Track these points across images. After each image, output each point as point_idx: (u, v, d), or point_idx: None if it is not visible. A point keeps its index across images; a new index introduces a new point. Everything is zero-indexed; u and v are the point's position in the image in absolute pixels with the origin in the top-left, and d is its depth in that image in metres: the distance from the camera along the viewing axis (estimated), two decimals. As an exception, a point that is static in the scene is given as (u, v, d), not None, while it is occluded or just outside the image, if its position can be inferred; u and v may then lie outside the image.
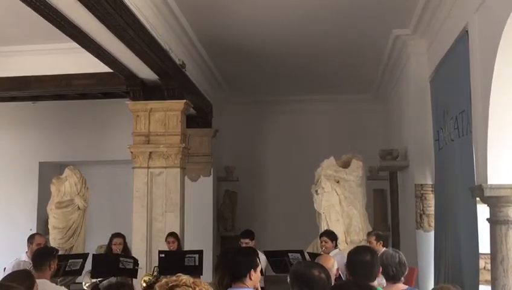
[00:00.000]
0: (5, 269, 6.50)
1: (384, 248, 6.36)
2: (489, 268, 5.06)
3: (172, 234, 7.60)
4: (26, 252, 6.50)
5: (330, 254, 6.34)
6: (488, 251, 5.01)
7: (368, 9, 7.67)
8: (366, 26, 8.30)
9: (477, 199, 5.23)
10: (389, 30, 8.55)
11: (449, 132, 6.48)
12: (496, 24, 4.81)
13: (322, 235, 7.13)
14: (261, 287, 6.73)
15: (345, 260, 3.74)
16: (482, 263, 5.58)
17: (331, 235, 6.99)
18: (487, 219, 5.03)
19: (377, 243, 6.86)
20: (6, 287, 2.78)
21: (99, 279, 6.52)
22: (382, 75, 11.02)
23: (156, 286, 2.09)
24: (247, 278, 3.42)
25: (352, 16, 7.91)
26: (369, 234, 7.25)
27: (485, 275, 5.57)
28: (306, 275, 2.95)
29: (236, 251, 3.75)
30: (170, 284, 2.05)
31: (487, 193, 4.88)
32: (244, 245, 7.03)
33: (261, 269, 6.40)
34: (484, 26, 5.21)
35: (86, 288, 6.50)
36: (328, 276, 2.99)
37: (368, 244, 6.97)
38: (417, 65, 8.41)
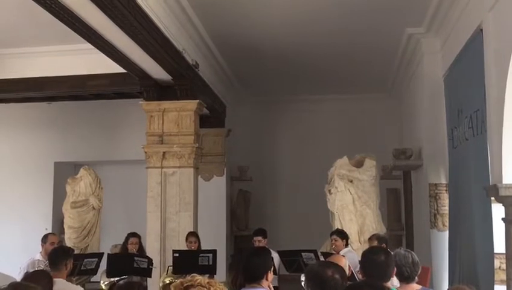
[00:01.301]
0: (20, 268, 6.60)
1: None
2: (505, 268, 5.02)
3: (193, 234, 7.60)
4: (41, 251, 6.59)
5: (341, 253, 6.36)
6: (503, 251, 4.97)
7: (382, 8, 7.65)
8: (380, 25, 8.27)
9: (492, 198, 5.20)
10: (402, 29, 8.52)
11: (463, 131, 6.44)
12: (510, 22, 4.77)
13: (332, 234, 7.14)
14: (275, 287, 6.77)
15: (356, 258, 3.75)
16: (497, 263, 5.55)
17: (341, 234, 7.00)
18: (502, 219, 5.00)
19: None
20: (26, 287, 2.83)
21: (116, 278, 6.57)
22: (396, 74, 10.97)
23: (171, 286, 2.11)
24: (264, 279, 3.44)
25: (366, 15, 7.88)
26: (370, 238, 7.13)
27: (500, 275, 5.53)
28: (319, 274, 2.95)
29: (251, 252, 3.74)
30: (185, 285, 2.07)
31: (502, 193, 4.85)
32: (257, 243, 7.07)
33: (274, 268, 6.46)
34: (499, 24, 5.17)
35: (104, 286, 6.55)
36: (343, 276, 2.98)
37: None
38: (431, 64, 8.36)
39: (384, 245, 6.78)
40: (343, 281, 2.93)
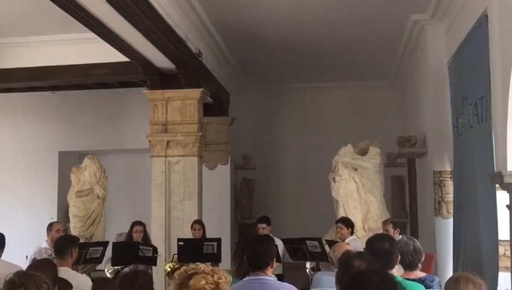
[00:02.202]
0: (27, 256, 6.65)
1: (401, 236, 6.35)
2: (509, 255, 5.03)
3: (198, 222, 7.68)
4: (46, 240, 6.64)
5: (346, 241, 6.37)
6: (508, 238, 4.97)
7: (385, -5, 7.60)
8: (384, 12, 8.21)
9: (497, 185, 5.18)
10: (406, 15, 8.45)
11: (468, 118, 6.41)
12: (516, 8, 4.74)
13: (337, 221, 7.17)
14: (279, 275, 6.80)
15: (361, 246, 3.75)
16: (501, 250, 5.54)
17: (346, 222, 7.01)
18: (506, 206, 4.98)
19: (394, 231, 6.84)
20: (30, 276, 2.84)
21: (121, 266, 6.60)
22: (400, 61, 10.91)
23: (175, 274, 2.12)
24: (269, 267, 3.45)
25: (370, 2, 7.83)
26: (385, 222, 7.22)
27: (504, 262, 5.53)
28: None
29: (256, 240, 3.74)
30: (189, 272, 2.08)
31: (507, 180, 4.83)
32: (261, 230, 7.12)
33: (279, 256, 6.47)
34: (504, 10, 5.12)
35: (108, 274, 6.59)
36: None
37: (384, 231, 6.97)
38: (435, 50, 8.31)
39: (398, 230, 6.84)
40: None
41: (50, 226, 6.80)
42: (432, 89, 8.35)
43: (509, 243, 5.00)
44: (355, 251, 4.02)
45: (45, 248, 6.44)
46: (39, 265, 3.80)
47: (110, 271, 6.52)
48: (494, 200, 5.33)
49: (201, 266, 2.10)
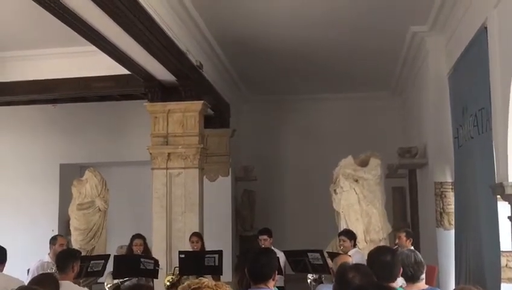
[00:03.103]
0: (28, 270, 6.62)
1: (412, 247, 6.34)
2: (511, 266, 5.01)
3: (196, 234, 7.65)
4: (49, 253, 6.61)
5: (349, 253, 6.35)
6: (510, 249, 4.97)
7: (386, 7, 7.64)
8: (384, 23, 8.25)
9: (498, 196, 5.18)
10: (406, 27, 8.50)
11: (469, 129, 6.42)
12: (515, 20, 4.76)
13: (340, 234, 7.15)
14: (281, 287, 6.76)
15: (364, 258, 3.73)
16: (503, 261, 5.54)
17: (349, 235, 6.99)
18: (508, 217, 4.99)
19: (406, 240, 6.83)
20: (32, 290, 2.85)
21: (120, 280, 6.58)
22: (400, 72, 10.95)
23: (179, 288, 2.12)
24: (271, 279, 3.44)
25: (370, 13, 7.87)
26: (399, 230, 7.22)
27: (507, 273, 5.51)
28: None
29: (258, 253, 3.74)
30: (192, 287, 2.08)
31: (508, 191, 4.84)
32: (262, 242, 7.10)
33: (280, 268, 6.45)
34: (504, 21, 5.15)
35: (107, 289, 6.56)
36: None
37: (397, 240, 6.97)
38: (435, 62, 8.35)
39: (411, 240, 6.84)
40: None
41: (54, 240, 6.73)
42: (432, 100, 8.37)
43: (511, 254, 4.99)
44: (361, 262, 4.02)
45: (47, 262, 6.39)
46: (41, 280, 3.80)
47: (109, 286, 6.49)
48: (495, 211, 5.32)
49: (205, 280, 2.10)
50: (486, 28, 5.61)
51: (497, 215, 5.30)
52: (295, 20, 8.20)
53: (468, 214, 6.48)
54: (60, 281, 3.98)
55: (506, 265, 5.63)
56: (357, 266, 3.24)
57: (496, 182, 5.19)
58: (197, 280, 2.10)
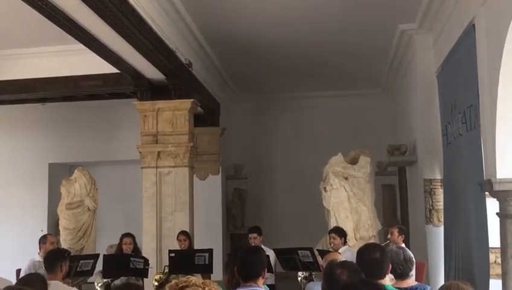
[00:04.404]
0: (18, 270, 6.58)
1: (403, 244, 6.37)
2: (500, 262, 5.05)
3: (183, 233, 7.64)
4: (39, 252, 6.58)
5: (339, 251, 6.37)
6: (498, 245, 5.00)
7: (374, 4, 7.66)
8: (373, 22, 8.28)
9: (487, 193, 5.21)
10: (395, 25, 8.53)
11: (457, 126, 6.45)
12: (502, 17, 4.79)
13: (330, 231, 7.17)
14: (272, 285, 6.78)
15: (354, 256, 3.74)
16: (492, 257, 5.57)
17: (339, 232, 7.01)
18: (496, 213, 5.02)
19: (398, 237, 6.86)
20: (19, 291, 2.83)
21: (111, 278, 6.56)
22: (389, 70, 10.99)
23: (166, 287, 2.11)
24: (260, 277, 3.45)
25: (359, 11, 7.89)
26: (391, 225, 7.24)
27: (495, 269, 5.55)
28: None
29: (247, 251, 3.76)
30: (180, 285, 2.07)
31: (496, 187, 4.87)
32: (252, 240, 7.10)
33: (270, 266, 6.46)
34: (491, 19, 5.18)
35: (98, 288, 6.54)
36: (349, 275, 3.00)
37: (389, 235, 6.99)
38: (424, 60, 8.38)
39: (403, 236, 6.86)
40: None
41: (44, 239, 6.68)
42: (421, 98, 8.40)
43: (499, 251, 5.02)
44: (352, 260, 4.02)
45: (39, 261, 6.35)
46: (29, 279, 3.78)
47: (100, 284, 6.47)
48: (484, 208, 5.35)
49: (193, 279, 2.10)
50: (474, 25, 5.64)
51: (485, 211, 5.32)
52: (284, 19, 8.20)
53: (457, 211, 6.51)
54: (48, 281, 3.96)
55: (495, 261, 5.67)
56: (344, 263, 3.25)
57: (484, 178, 5.21)
58: (184, 279, 2.10)
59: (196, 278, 2.10)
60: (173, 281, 2.12)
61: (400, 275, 3.68)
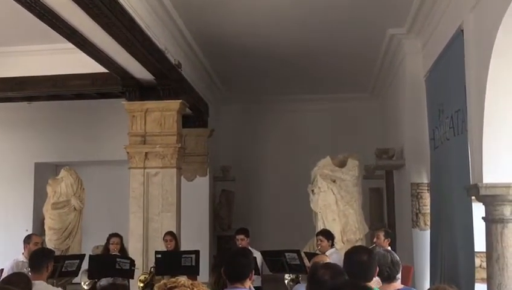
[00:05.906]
0: (2, 270, 6.51)
1: (389, 247, 6.39)
2: (485, 266, 5.08)
3: (169, 233, 7.60)
4: (23, 253, 6.50)
5: (326, 253, 6.37)
6: (484, 249, 5.03)
7: (363, 9, 7.69)
8: (362, 26, 8.32)
9: (473, 197, 5.25)
10: (384, 29, 8.57)
11: (445, 130, 6.50)
12: (491, 23, 4.83)
13: (318, 234, 7.16)
14: (258, 287, 6.76)
15: (341, 258, 3.74)
16: (477, 261, 5.61)
17: (327, 234, 7.01)
18: (482, 218, 5.05)
19: (384, 240, 6.88)
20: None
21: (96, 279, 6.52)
22: (378, 74, 11.04)
23: (155, 287, 2.10)
24: (247, 279, 3.45)
25: (348, 16, 7.92)
26: (378, 229, 7.27)
27: (481, 273, 5.59)
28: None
29: (235, 252, 3.77)
30: (169, 286, 2.06)
31: (482, 192, 4.90)
32: (239, 241, 7.08)
33: (257, 268, 6.45)
34: (479, 24, 5.22)
35: (85, 286, 6.49)
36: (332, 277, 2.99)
37: (375, 239, 7.02)
38: (412, 64, 8.43)
39: (389, 240, 6.89)
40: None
41: (28, 239, 6.60)
42: (409, 102, 8.45)
43: (485, 255, 5.06)
44: (339, 262, 4.03)
45: (22, 261, 6.29)
46: (13, 279, 3.74)
47: (86, 283, 6.42)
48: (470, 212, 5.39)
49: (181, 279, 2.09)
50: (462, 30, 5.69)
51: (471, 216, 5.36)
52: (274, 22, 8.22)
53: (444, 215, 6.55)
54: (33, 281, 3.92)
55: (480, 265, 5.71)
56: (327, 264, 3.26)
57: (471, 183, 5.25)
58: (173, 279, 2.09)
59: (185, 279, 2.10)
60: (161, 282, 2.11)
61: (387, 278, 3.69)
